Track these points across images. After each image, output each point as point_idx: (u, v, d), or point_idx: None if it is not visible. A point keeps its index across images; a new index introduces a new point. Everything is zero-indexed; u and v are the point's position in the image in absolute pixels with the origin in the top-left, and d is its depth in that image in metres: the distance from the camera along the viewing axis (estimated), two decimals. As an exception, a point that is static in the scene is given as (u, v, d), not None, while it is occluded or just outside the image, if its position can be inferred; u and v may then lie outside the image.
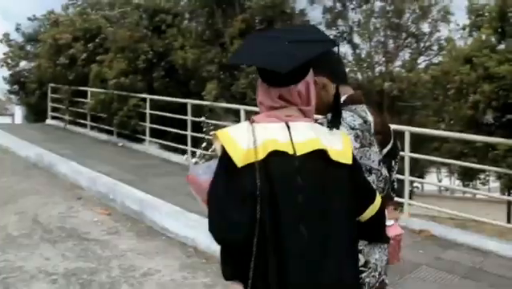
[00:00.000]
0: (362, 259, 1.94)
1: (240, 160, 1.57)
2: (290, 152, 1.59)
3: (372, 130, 2.02)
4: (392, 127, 2.33)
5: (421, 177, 18.22)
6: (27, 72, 17.50)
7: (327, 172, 1.61)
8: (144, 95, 11.41)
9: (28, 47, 17.82)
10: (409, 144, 6.72)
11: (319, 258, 1.57)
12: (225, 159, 1.62)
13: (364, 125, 1.97)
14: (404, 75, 8.34)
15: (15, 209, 6.25)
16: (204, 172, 1.85)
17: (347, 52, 9.03)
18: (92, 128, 13.67)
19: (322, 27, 9.41)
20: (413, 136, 6.75)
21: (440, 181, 25.39)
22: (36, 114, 17.76)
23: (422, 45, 8.84)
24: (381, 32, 8.72)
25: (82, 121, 14.06)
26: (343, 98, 2.01)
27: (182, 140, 9.99)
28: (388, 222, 1.96)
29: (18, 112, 20.92)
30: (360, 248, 1.90)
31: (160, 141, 10.90)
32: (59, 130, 14.42)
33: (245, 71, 9.24)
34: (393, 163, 2.17)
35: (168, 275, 4.58)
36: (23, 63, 17.52)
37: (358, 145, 1.90)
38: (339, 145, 1.65)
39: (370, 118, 2.04)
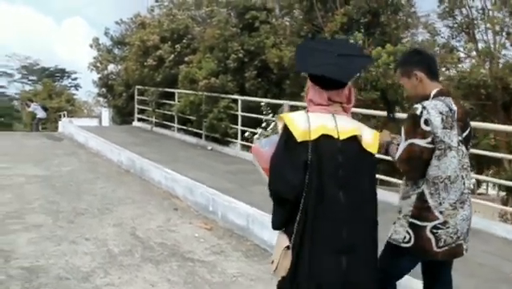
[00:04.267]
0: (441, 219, 2.41)
1: (299, 137, 2.07)
2: (335, 136, 2.11)
3: (456, 117, 2.48)
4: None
5: None
6: (115, 75, 17.70)
7: (359, 155, 2.14)
8: (235, 96, 10.83)
9: (116, 51, 18.04)
10: None
11: (351, 218, 2.09)
12: (286, 135, 2.12)
13: (449, 112, 2.45)
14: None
15: (112, 220, 5.81)
16: (266, 144, 2.30)
17: (471, 47, 7.90)
18: (179, 130, 13.39)
19: (433, 18, 8.42)
20: None
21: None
22: (122, 116, 17.95)
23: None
24: (507, 21, 7.51)
25: (168, 123, 13.83)
26: (434, 91, 2.54)
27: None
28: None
29: (105, 115, 21.35)
30: (442, 210, 2.40)
31: (252, 145, 10.26)
32: (146, 132, 14.33)
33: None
34: (468, 147, 2.60)
35: (292, 311, 3.83)
36: (111, 66, 17.77)
37: (441, 126, 2.40)
38: (370, 138, 2.19)
39: (454, 107, 2.50)
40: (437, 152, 2.40)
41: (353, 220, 2.10)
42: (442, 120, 2.39)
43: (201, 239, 5.42)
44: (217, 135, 11.29)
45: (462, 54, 8.68)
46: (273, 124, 8.86)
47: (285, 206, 2.12)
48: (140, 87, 15.02)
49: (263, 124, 9.32)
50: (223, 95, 10.98)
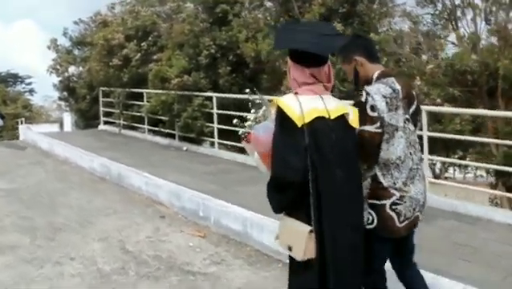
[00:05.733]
0: (398, 194, 2.51)
1: (299, 122, 2.20)
2: (326, 116, 2.28)
3: (400, 96, 2.56)
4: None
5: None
6: (76, 77, 16.86)
7: (346, 132, 2.34)
8: (209, 94, 10.36)
9: (76, 52, 17.17)
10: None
11: (349, 193, 2.30)
12: (283, 120, 2.24)
13: (393, 93, 2.53)
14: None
15: (97, 234, 5.31)
16: (259, 129, 2.40)
17: (458, 35, 7.74)
18: (149, 131, 12.82)
19: (412, 4, 8.26)
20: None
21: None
22: (86, 120, 17.15)
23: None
24: (491, 6, 7.41)
25: (138, 125, 13.22)
26: (376, 73, 2.62)
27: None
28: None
29: (67, 119, 20.36)
30: (397, 187, 2.51)
31: (232, 143, 9.80)
32: (114, 136, 13.67)
33: (331, 60, 8.07)
34: (418, 122, 2.82)
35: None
36: (72, 68, 16.90)
37: (387, 110, 2.48)
38: (351, 114, 2.39)
39: (398, 87, 2.57)
40: (386, 136, 2.48)
41: (351, 193, 2.31)
42: (387, 103, 2.47)
43: (197, 248, 5.02)
44: (192, 134, 10.81)
45: (444, 41, 8.64)
46: (263, 109, 8.50)
47: (288, 190, 2.23)
48: (104, 88, 14.27)
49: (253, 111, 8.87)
50: (196, 93, 10.50)
